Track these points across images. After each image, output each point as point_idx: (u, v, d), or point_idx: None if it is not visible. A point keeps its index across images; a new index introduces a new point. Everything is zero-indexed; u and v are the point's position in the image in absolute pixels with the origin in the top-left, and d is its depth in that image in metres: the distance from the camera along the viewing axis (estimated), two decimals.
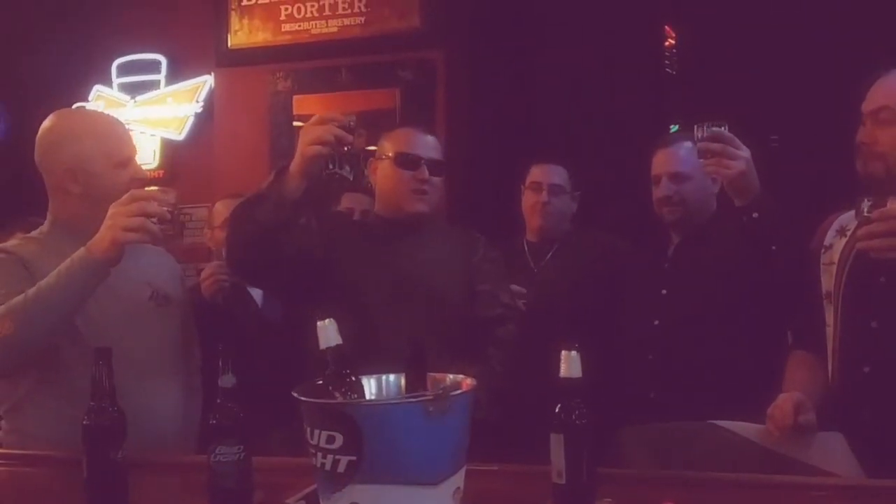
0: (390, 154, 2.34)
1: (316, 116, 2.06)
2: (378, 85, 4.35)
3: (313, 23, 4.45)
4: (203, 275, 2.76)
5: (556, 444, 1.37)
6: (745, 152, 2.10)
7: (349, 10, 4.40)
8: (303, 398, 1.24)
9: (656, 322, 2.49)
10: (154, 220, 1.86)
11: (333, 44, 4.39)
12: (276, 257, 2.08)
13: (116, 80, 5.05)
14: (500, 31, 4.17)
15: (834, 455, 1.79)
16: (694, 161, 2.43)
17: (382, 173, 2.37)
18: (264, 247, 2.07)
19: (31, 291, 1.86)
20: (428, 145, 2.37)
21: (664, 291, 2.53)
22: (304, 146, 2.01)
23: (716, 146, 2.09)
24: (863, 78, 2.01)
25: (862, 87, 2.00)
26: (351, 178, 4.00)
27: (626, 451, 1.84)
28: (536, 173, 3.08)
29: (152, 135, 4.98)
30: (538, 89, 4.14)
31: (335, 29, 4.41)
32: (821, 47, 3.77)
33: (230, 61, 4.61)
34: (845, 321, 1.94)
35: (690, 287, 2.47)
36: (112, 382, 1.48)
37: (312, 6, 4.46)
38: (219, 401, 1.44)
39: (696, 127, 2.17)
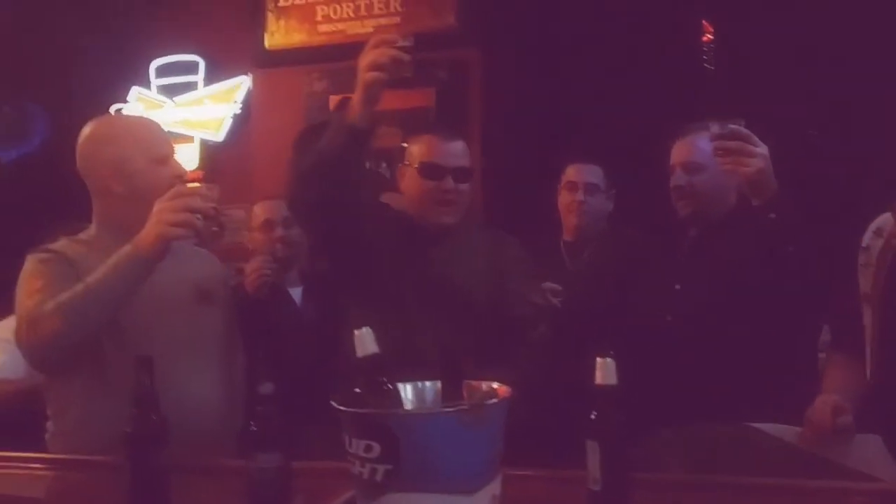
0: (415, 163, 2.34)
1: (372, 39, 2.04)
2: (414, 84, 4.36)
3: (349, 23, 4.49)
4: (248, 269, 2.80)
5: (592, 451, 1.38)
6: (762, 149, 2.07)
7: (385, 10, 4.42)
8: (341, 408, 1.26)
9: (669, 318, 2.42)
10: (198, 216, 1.90)
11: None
12: (334, 194, 2.06)
13: (155, 82, 5.12)
14: (536, 29, 4.16)
15: (873, 458, 1.78)
16: (710, 151, 2.42)
17: (408, 181, 2.37)
18: (325, 179, 2.05)
19: (79, 287, 1.91)
20: (454, 153, 2.35)
21: (678, 286, 2.46)
22: (362, 73, 2.00)
23: (732, 143, 2.06)
24: None
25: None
26: (388, 177, 4.02)
27: (660, 455, 1.84)
28: (572, 173, 3.08)
29: (191, 136, 5.05)
30: (574, 87, 4.12)
31: (371, 29, 4.42)
32: (859, 44, 3.71)
33: (267, 62, 4.66)
34: (884, 322, 1.92)
35: (705, 282, 2.40)
36: (154, 390, 1.52)
37: (348, 7, 4.49)
38: (259, 408, 1.47)
39: (711, 123, 2.14)
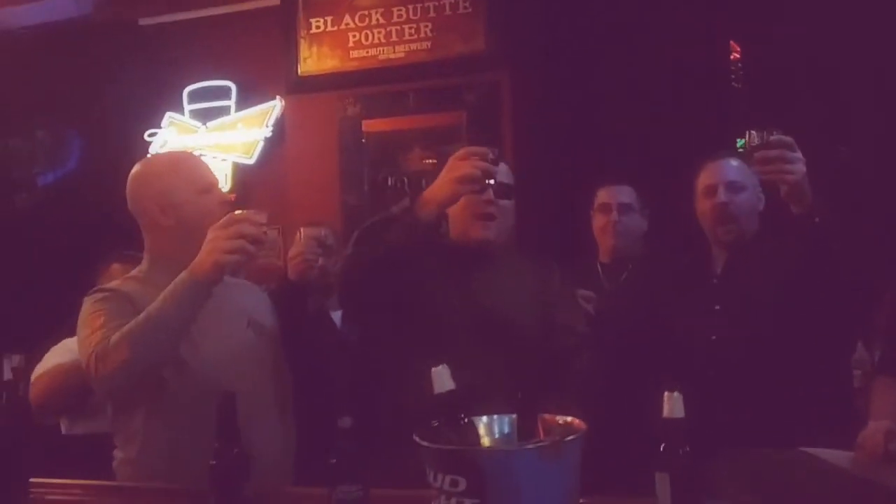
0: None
1: (461, 150, 2.13)
2: (444, 108, 4.45)
3: (381, 49, 4.57)
4: (291, 253, 2.83)
5: (662, 482, 1.43)
6: (800, 156, 2.09)
7: (416, 36, 4.50)
8: (426, 444, 1.32)
9: (714, 338, 2.45)
10: (251, 242, 1.96)
11: (401, 69, 4.50)
12: (392, 280, 2.14)
13: (188, 107, 5.22)
14: (565, 52, 4.23)
15: None
16: (747, 173, 2.46)
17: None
18: (387, 268, 2.13)
19: (141, 317, 1.97)
20: (497, 170, 2.33)
21: (717, 307, 2.49)
22: (453, 183, 2.09)
23: (773, 152, 2.08)
24: None
25: None
26: None
27: (720, 480, 1.88)
28: (603, 195, 3.13)
29: (224, 160, 5.14)
30: (603, 109, 4.18)
31: (402, 54, 4.51)
32: (883, 60, 3.76)
33: (300, 88, 4.74)
34: None
35: (744, 301, 2.43)
36: (237, 424, 1.58)
37: (379, 32, 4.57)
38: (339, 441, 1.53)
39: (748, 133, 2.17)
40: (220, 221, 1.99)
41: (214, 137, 5.15)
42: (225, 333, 2.18)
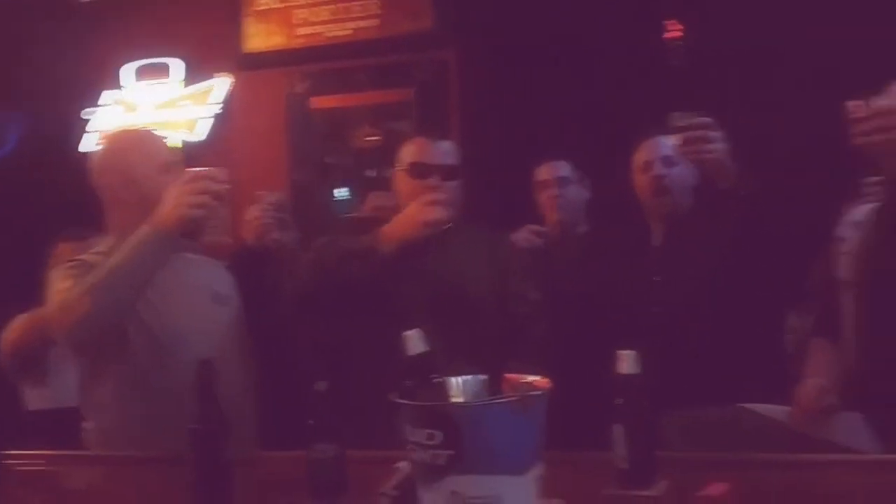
0: (404, 164, 2.46)
1: (425, 198, 2.30)
2: (393, 85, 4.51)
3: (328, 26, 4.61)
4: (248, 216, 2.87)
5: (619, 433, 1.55)
6: (719, 135, 2.26)
7: (363, 13, 4.55)
8: (404, 401, 1.41)
9: (654, 308, 2.57)
10: (213, 198, 2.03)
11: (348, 46, 4.55)
12: (347, 295, 2.27)
13: (132, 84, 5.17)
14: (512, 30, 4.31)
15: (855, 434, 1.97)
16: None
17: (399, 183, 2.49)
18: (349, 298, 2.26)
19: (103, 269, 2.02)
20: (440, 152, 2.44)
21: (657, 278, 2.62)
22: (420, 226, 2.27)
23: (693, 133, 2.25)
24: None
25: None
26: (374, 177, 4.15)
27: (665, 437, 2.00)
28: (541, 172, 3.25)
29: (168, 137, 5.11)
30: (549, 87, 4.28)
31: (350, 31, 4.56)
32: (823, 38, 3.92)
33: (247, 65, 4.75)
34: (865, 308, 2.11)
35: (682, 272, 2.56)
36: (216, 389, 1.65)
37: (326, 10, 4.60)
38: (315, 403, 1.61)
39: (670, 116, 2.32)
40: (185, 177, 2.05)
41: (158, 115, 5.12)
42: (190, 307, 2.23)
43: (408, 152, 2.48)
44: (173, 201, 2.01)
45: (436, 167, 2.41)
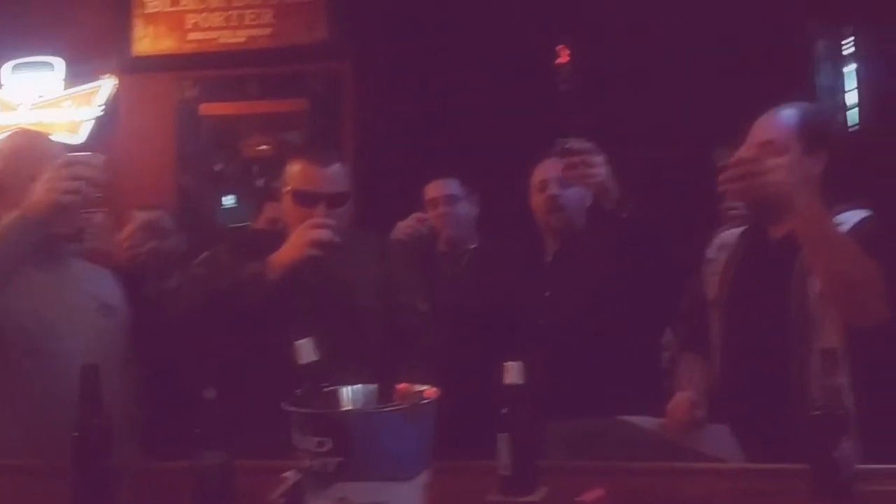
0: (289, 189, 2.40)
1: (310, 221, 2.25)
2: (285, 95, 4.50)
3: (220, 32, 4.56)
4: (117, 239, 2.81)
5: (503, 442, 1.60)
6: (601, 159, 2.37)
7: (257, 21, 4.52)
8: (295, 409, 1.42)
9: (542, 322, 2.65)
10: (86, 184, 1.96)
11: (241, 54, 4.51)
12: (234, 323, 2.25)
13: (11, 82, 4.98)
14: (408, 44, 4.37)
15: (722, 444, 2.09)
16: None
17: (285, 205, 2.43)
18: (230, 319, 2.23)
19: None
20: (327, 179, 2.35)
21: (547, 293, 2.71)
22: (304, 246, 2.22)
23: (576, 158, 2.36)
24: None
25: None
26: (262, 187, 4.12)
27: (547, 446, 2.08)
28: (430, 190, 3.31)
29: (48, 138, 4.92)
30: (443, 101, 4.36)
31: (242, 39, 4.53)
32: (709, 62, 4.13)
33: (134, 68, 4.65)
34: (729, 327, 2.24)
35: (571, 289, 2.65)
36: (100, 396, 1.62)
37: (219, 16, 4.56)
38: (202, 411, 1.60)
39: (556, 141, 2.44)
40: (58, 163, 1.98)
41: (38, 115, 4.93)
42: (73, 315, 2.19)
43: (293, 176, 2.40)
44: (44, 186, 1.95)
45: (322, 195, 2.33)
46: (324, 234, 2.22)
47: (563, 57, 4.71)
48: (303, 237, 2.24)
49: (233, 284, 2.27)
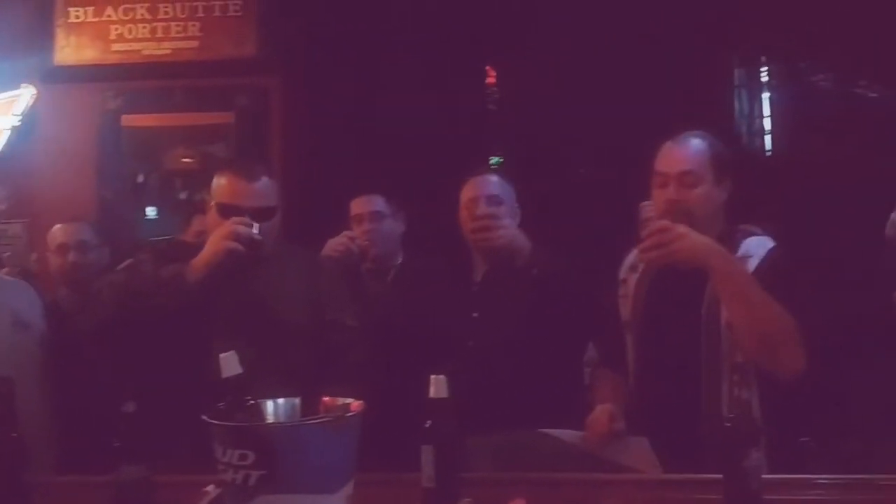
0: (215, 202, 2.39)
1: (229, 220, 2.26)
2: (212, 108, 4.45)
3: (145, 44, 4.48)
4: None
5: (427, 454, 1.62)
6: (508, 222, 2.47)
7: (183, 34, 4.46)
8: (220, 422, 1.41)
9: (470, 343, 2.65)
10: None
11: (166, 66, 4.44)
12: (152, 324, 2.21)
13: None
14: (337, 60, 4.38)
15: (640, 455, 2.14)
16: (505, 189, 2.73)
17: (211, 218, 2.42)
18: (147, 320, 2.20)
19: None
20: (252, 193, 2.35)
21: (475, 314, 2.71)
22: (220, 240, 2.21)
23: (479, 223, 2.48)
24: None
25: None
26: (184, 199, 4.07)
27: (472, 459, 2.10)
28: (354, 206, 3.31)
29: None
30: (371, 118, 4.38)
31: (168, 51, 4.46)
32: (632, 86, 4.25)
33: (56, 77, 4.54)
34: (642, 345, 2.31)
35: (499, 311, 2.65)
36: (14, 409, 1.59)
37: (144, 27, 4.49)
38: (122, 425, 1.58)
39: (484, 159, 2.48)
40: None
41: None
42: None
43: (219, 189, 2.40)
44: None
45: (247, 209, 2.32)
46: (243, 229, 2.20)
47: (492, 77, 4.79)
48: (221, 233, 2.22)
49: (151, 285, 2.23)
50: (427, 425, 1.64)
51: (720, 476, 1.67)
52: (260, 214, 2.33)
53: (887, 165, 3.93)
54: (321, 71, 4.38)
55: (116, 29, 4.51)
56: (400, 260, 3.31)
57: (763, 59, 4.61)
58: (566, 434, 2.19)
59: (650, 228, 2.11)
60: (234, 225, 2.22)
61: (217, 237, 2.23)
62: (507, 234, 2.46)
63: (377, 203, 3.31)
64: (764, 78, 4.56)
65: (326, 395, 1.57)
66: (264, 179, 2.40)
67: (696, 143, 2.28)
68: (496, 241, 2.47)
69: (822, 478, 1.87)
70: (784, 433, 2.10)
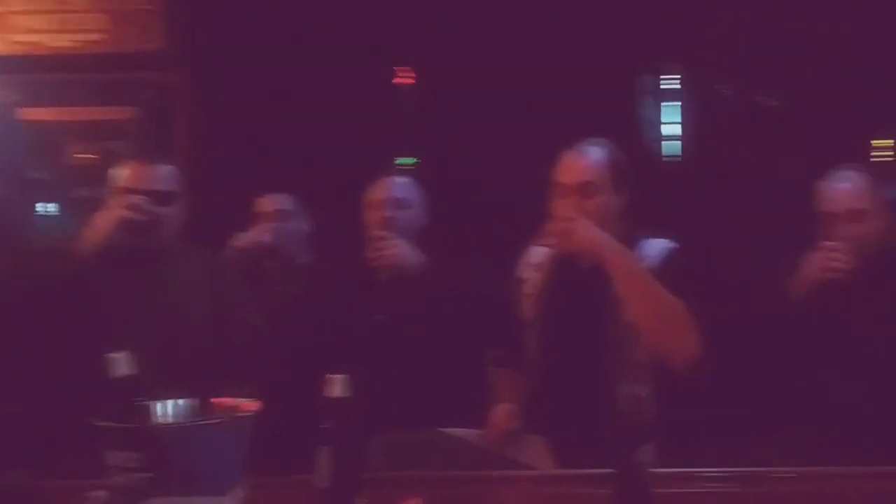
0: (117, 187, 2.39)
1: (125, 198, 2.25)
2: (115, 103, 4.34)
3: (49, 35, 4.34)
4: None
5: (324, 455, 1.61)
6: (396, 242, 2.56)
7: (88, 26, 4.34)
8: (107, 424, 1.39)
9: (375, 345, 2.61)
10: None
11: (68, 58, 4.31)
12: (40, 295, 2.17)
13: None
14: (246, 57, 4.32)
15: (536, 453, 2.19)
16: (413, 191, 2.79)
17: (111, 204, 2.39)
18: (35, 290, 2.17)
19: None
20: (153, 177, 2.38)
21: (379, 316, 2.70)
22: (115, 213, 2.21)
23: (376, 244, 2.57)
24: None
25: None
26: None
27: (369, 458, 2.10)
28: (261, 204, 3.28)
29: None
30: (280, 117, 4.32)
31: (72, 43, 4.33)
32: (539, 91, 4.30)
33: None
34: (544, 344, 2.35)
35: (403, 315, 2.66)
36: None
37: (48, 18, 4.34)
38: (2, 427, 1.54)
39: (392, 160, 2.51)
40: None
41: None
42: None
43: (121, 177, 2.40)
44: None
45: (147, 192, 2.33)
46: (139, 199, 2.16)
47: (403, 78, 4.79)
48: (117, 204, 2.22)
49: (42, 251, 2.19)
50: (324, 426, 1.63)
51: (612, 471, 1.71)
52: (159, 198, 2.33)
53: (785, 170, 4.09)
54: (230, 67, 4.31)
55: (18, 20, 4.36)
56: (306, 260, 3.29)
57: (667, 66, 4.73)
58: (463, 432, 2.23)
59: (556, 220, 2.20)
60: (129, 196, 2.17)
61: (112, 209, 2.18)
62: (395, 255, 2.56)
63: (283, 201, 3.28)
64: (667, 85, 4.69)
65: (225, 396, 1.56)
66: (166, 166, 2.43)
67: (595, 154, 2.33)
68: (385, 260, 2.57)
69: (711, 471, 1.93)
70: (677, 428, 2.18)
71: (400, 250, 2.58)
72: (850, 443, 2.09)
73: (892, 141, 4.18)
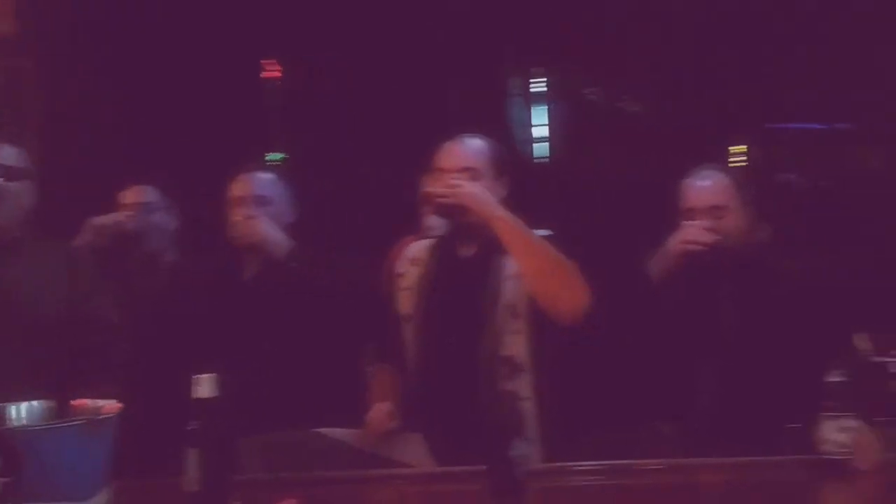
0: None
1: None
2: None
3: None
4: None
5: (193, 457, 1.54)
6: (264, 220, 2.56)
7: None
8: None
9: (245, 343, 2.56)
10: None
11: None
12: None
13: None
14: (101, 45, 4.12)
15: (414, 451, 2.17)
16: (276, 187, 2.73)
17: None
18: None
19: None
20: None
21: (245, 313, 2.62)
22: None
23: (238, 220, 2.55)
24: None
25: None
26: None
27: (244, 459, 2.03)
28: (126, 196, 3.13)
29: None
30: (140, 108, 4.15)
31: None
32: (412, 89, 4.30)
33: None
34: (422, 340, 2.33)
35: (272, 311, 2.60)
36: None
37: None
38: None
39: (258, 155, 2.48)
40: None
41: None
42: None
43: None
44: None
45: None
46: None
47: (270, 72, 4.69)
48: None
49: None
50: (192, 427, 1.55)
51: (487, 467, 1.70)
52: (5, 172, 2.27)
53: (647, 173, 4.23)
54: (84, 56, 4.11)
55: None
56: (171, 256, 3.15)
57: (535, 70, 4.83)
58: (340, 433, 2.18)
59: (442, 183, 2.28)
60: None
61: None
62: (259, 231, 2.53)
63: (148, 194, 3.13)
64: (535, 88, 4.79)
65: (82, 397, 1.46)
66: (11, 147, 2.35)
67: (475, 142, 2.38)
68: (249, 238, 2.53)
69: (584, 464, 1.96)
70: (555, 423, 2.20)
71: (265, 227, 2.55)
72: (716, 435, 2.15)
73: (745, 147, 4.40)
